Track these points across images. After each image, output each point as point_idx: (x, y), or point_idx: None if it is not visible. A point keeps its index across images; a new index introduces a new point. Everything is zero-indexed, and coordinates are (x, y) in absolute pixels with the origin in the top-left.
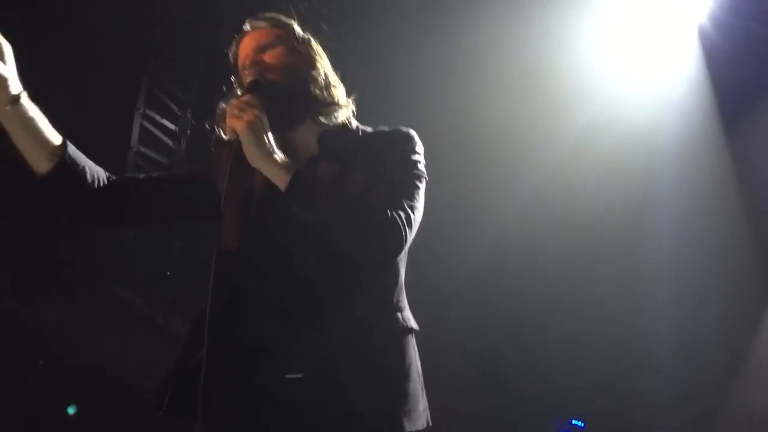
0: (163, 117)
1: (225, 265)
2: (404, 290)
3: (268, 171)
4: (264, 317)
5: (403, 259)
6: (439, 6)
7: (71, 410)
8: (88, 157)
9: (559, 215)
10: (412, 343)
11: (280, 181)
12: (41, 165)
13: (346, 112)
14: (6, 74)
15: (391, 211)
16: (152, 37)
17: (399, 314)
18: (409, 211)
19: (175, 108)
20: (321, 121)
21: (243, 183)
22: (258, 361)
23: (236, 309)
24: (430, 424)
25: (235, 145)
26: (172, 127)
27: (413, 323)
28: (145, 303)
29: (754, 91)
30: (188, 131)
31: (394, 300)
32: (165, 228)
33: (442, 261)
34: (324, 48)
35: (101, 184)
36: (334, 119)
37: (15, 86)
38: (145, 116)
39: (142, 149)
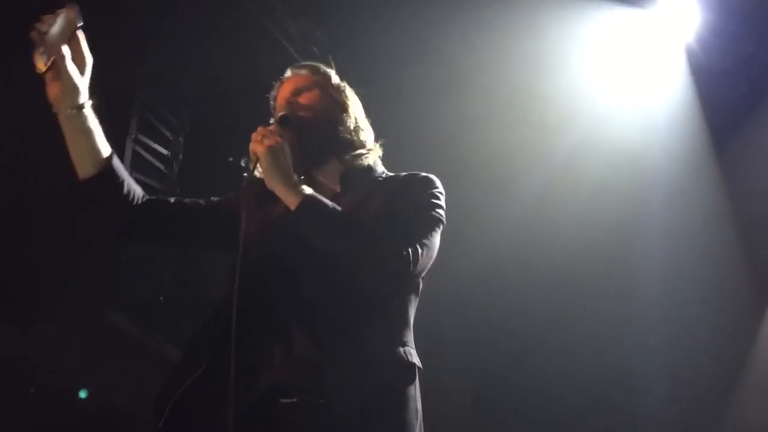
0: (155, 142)
1: (236, 285)
2: (411, 330)
3: (282, 192)
4: (266, 338)
5: (412, 300)
6: (430, 30)
7: (83, 394)
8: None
9: (550, 234)
10: (413, 379)
11: (292, 202)
12: (86, 169)
13: (373, 156)
14: (80, 84)
15: (398, 244)
16: (144, 62)
17: (401, 348)
18: (418, 248)
19: (167, 133)
20: (347, 162)
21: (263, 211)
22: (256, 382)
23: (242, 328)
24: None
25: (254, 169)
26: (164, 151)
27: (416, 360)
28: (138, 328)
29: (741, 111)
30: (180, 156)
31: (399, 335)
32: (184, 251)
33: (433, 280)
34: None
35: (136, 200)
36: (360, 161)
37: (84, 96)
38: (137, 141)
39: (135, 174)
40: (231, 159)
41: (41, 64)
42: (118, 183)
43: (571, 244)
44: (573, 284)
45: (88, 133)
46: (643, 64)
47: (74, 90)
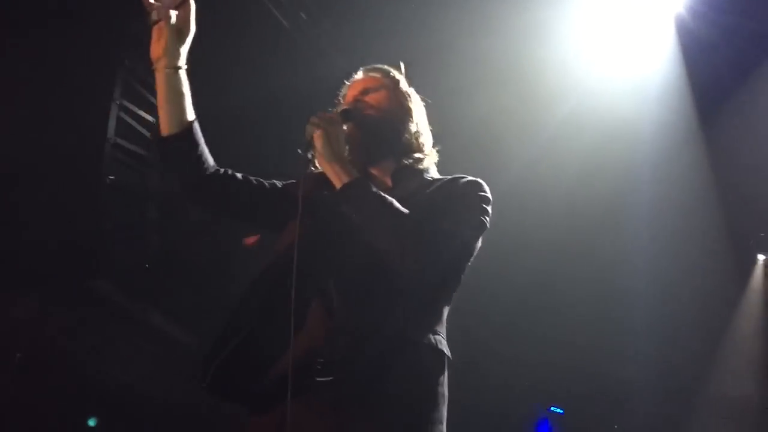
0: (140, 108)
1: (273, 265)
2: (444, 324)
3: (330, 172)
4: (306, 308)
5: (448, 293)
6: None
7: (92, 422)
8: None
9: (539, 207)
10: (444, 367)
11: (339, 181)
12: (170, 127)
13: (428, 160)
14: (180, 48)
15: (438, 236)
16: (128, 25)
17: (433, 336)
18: (456, 241)
19: (152, 99)
20: (402, 163)
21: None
22: (293, 359)
23: (282, 298)
24: None
25: (308, 149)
26: (150, 118)
27: (446, 349)
28: (124, 295)
29: (730, 82)
30: None
31: (432, 324)
32: (239, 222)
33: None
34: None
35: (208, 167)
36: (414, 163)
37: (182, 60)
38: (122, 107)
39: (119, 141)
40: (300, 151)
41: (150, 20)
42: (194, 146)
43: (560, 215)
44: (562, 256)
45: (179, 94)
46: (634, 35)
47: (175, 52)
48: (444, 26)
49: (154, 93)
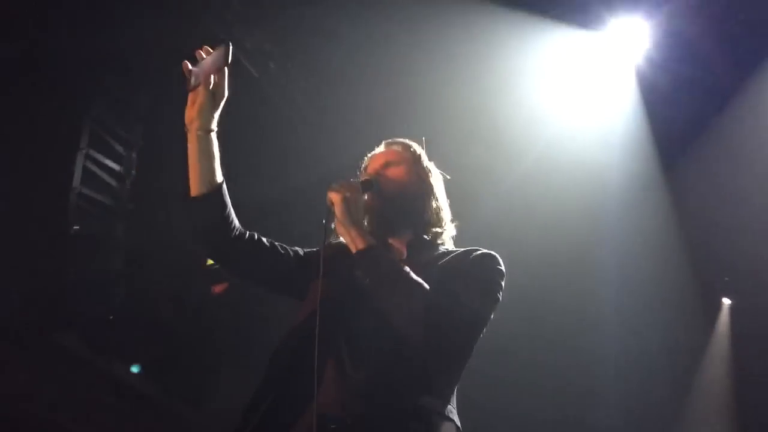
0: (107, 157)
1: (293, 331)
2: (455, 395)
3: (347, 237)
4: (326, 386)
5: (459, 365)
6: (384, 48)
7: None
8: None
9: (508, 252)
10: None
11: (355, 247)
12: (200, 188)
13: (446, 235)
14: (214, 112)
15: (445, 301)
16: (96, 77)
17: (445, 405)
18: (465, 312)
19: (119, 148)
20: (419, 236)
21: (340, 266)
22: (309, 425)
23: (298, 371)
24: None
25: (330, 214)
26: (116, 167)
27: (457, 420)
28: (88, 348)
29: (690, 130)
30: (133, 172)
31: (443, 392)
32: (261, 288)
33: None
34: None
35: (236, 229)
36: (432, 237)
37: (214, 123)
38: (88, 157)
39: (85, 190)
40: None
41: (189, 86)
42: (223, 207)
43: (529, 261)
44: (532, 299)
45: (209, 156)
46: (596, 86)
47: (209, 115)
48: (412, 76)
49: (120, 141)
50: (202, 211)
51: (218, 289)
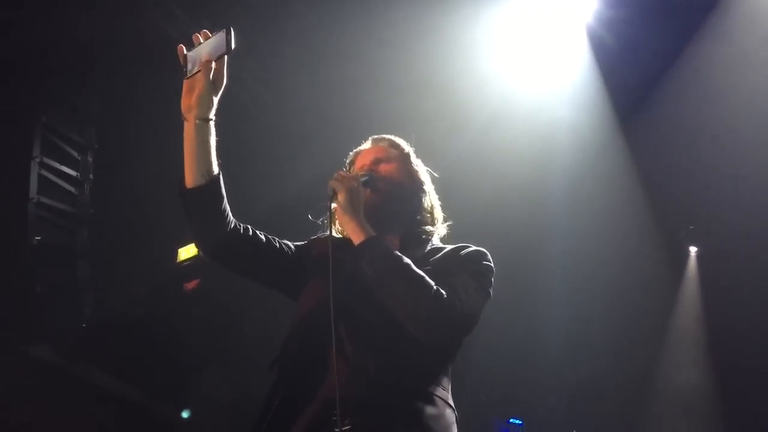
0: (62, 164)
1: (300, 323)
2: (450, 379)
3: (349, 228)
4: (325, 370)
5: (453, 354)
6: (337, 23)
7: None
8: None
9: (459, 214)
10: (454, 420)
11: (357, 239)
12: (196, 178)
13: (438, 232)
14: (212, 100)
15: (445, 294)
16: (44, 83)
17: (443, 389)
18: (464, 306)
19: (74, 153)
20: (412, 232)
21: (339, 258)
22: (315, 413)
23: (308, 360)
24: None
25: (332, 203)
26: (73, 173)
27: (453, 405)
28: (63, 358)
29: (644, 85)
30: (91, 176)
31: (442, 379)
32: (257, 283)
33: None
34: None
35: (231, 222)
36: (423, 234)
37: (212, 112)
38: (43, 165)
39: (43, 199)
40: (310, 216)
41: (185, 72)
42: (221, 199)
43: (479, 222)
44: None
45: (206, 146)
46: (547, 45)
47: (207, 103)
48: (363, 47)
49: (75, 147)
50: (199, 203)
51: (190, 286)
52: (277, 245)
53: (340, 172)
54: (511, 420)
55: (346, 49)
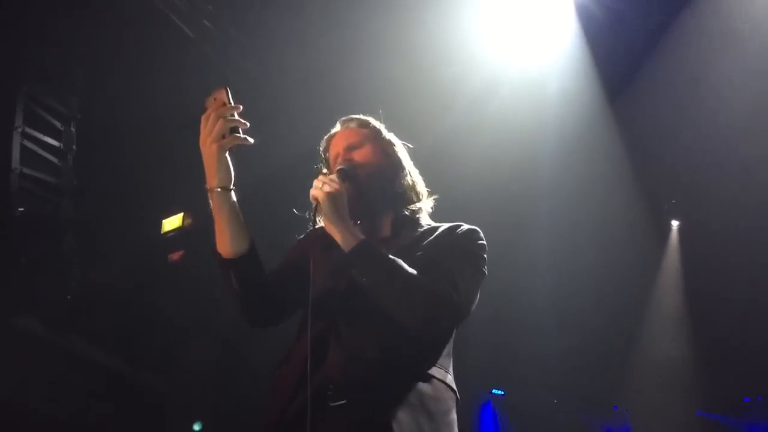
0: (45, 134)
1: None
2: (452, 359)
3: (338, 236)
4: (328, 360)
5: (452, 335)
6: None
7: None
8: None
9: (446, 188)
10: (454, 404)
11: (347, 245)
12: (241, 246)
13: (424, 208)
14: (232, 169)
15: (444, 295)
16: (25, 52)
17: (443, 371)
18: (461, 296)
19: (57, 123)
20: (401, 213)
21: (329, 255)
22: (314, 394)
23: (318, 350)
24: None
25: (315, 213)
26: (56, 143)
27: (455, 387)
28: (50, 330)
29: (632, 59)
30: (74, 146)
31: (441, 360)
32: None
33: None
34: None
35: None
36: (413, 213)
37: (231, 180)
38: (25, 135)
39: (26, 170)
40: (295, 211)
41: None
42: (260, 262)
43: (467, 195)
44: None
45: (237, 213)
46: (536, 19)
47: (229, 173)
48: (349, 25)
49: (58, 117)
50: (249, 266)
51: (175, 257)
52: (284, 280)
53: (318, 179)
54: (494, 391)
55: (333, 23)
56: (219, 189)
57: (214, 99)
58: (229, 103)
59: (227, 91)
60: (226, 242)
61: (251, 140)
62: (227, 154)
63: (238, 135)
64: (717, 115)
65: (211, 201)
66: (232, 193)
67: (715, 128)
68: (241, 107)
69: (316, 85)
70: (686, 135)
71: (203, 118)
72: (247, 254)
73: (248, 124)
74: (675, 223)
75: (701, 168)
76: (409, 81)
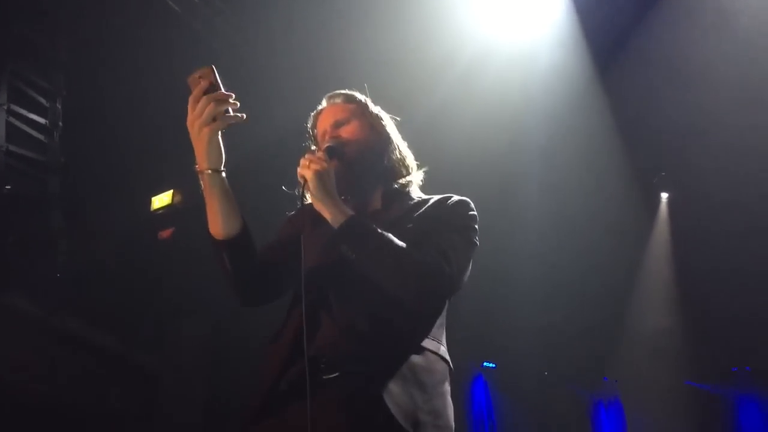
0: (30, 111)
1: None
2: (445, 330)
3: (327, 213)
4: (320, 333)
5: (446, 306)
6: None
7: None
8: None
9: (436, 160)
10: (447, 375)
11: (335, 222)
12: (233, 227)
13: (414, 181)
14: (223, 150)
15: (435, 267)
16: (10, 27)
17: (436, 342)
18: (453, 267)
19: (42, 100)
20: (391, 186)
21: (319, 231)
22: (308, 367)
23: (309, 325)
24: None
25: (302, 192)
26: (42, 120)
27: (448, 358)
28: (39, 307)
29: (622, 29)
30: (60, 123)
31: (434, 331)
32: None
33: None
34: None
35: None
36: (403, 186)
37: (222, 162)
38: (11, 112)
39: (12, 148)
40: (284, 188)
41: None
42: (253, 242)
43: (455, 170)
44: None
45: (229, 194)
46: None
47: (220, 154)
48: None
49: (42, 93)
50: (242, 247)
51: (165, 234)
52: (277, 258)
53: (305, 157)
54: (485, 364)
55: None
56: (210, 171)
57: (199, 77)
58: (217, 82)
59: (214, 70)
60: (218, 223)
61: (244, 116)
62: (218, 135)
63: (230, 114)
64: (706, 88)
65: (201, 182)
66: (224, 173)
67: (704, 101)
68: (234, 95)
69: (305, 60)
70: (675, 107)
71: (191, 99)
72: (239, 235)
73: (239, 104)
74: (664, 195)
75: (690, 140)
76: (398, 55)
